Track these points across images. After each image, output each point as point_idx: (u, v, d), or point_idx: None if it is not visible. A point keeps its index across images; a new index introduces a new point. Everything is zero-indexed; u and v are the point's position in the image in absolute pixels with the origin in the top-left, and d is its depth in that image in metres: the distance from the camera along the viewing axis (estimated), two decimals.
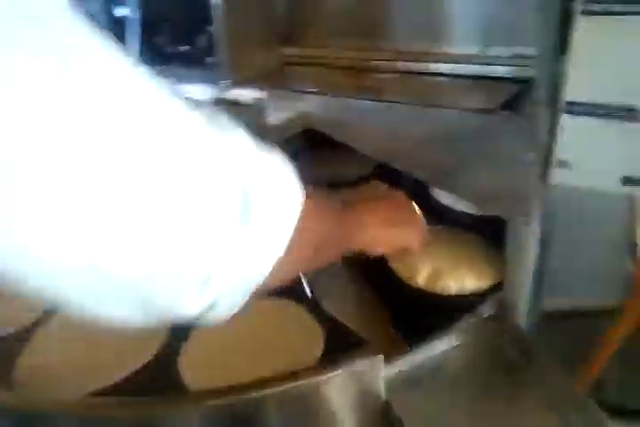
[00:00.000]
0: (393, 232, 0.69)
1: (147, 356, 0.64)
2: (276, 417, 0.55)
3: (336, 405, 0.56)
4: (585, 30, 0.55)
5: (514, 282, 0.67)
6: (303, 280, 0.73)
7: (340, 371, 0.55)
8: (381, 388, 0.58)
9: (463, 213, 0.87)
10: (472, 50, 0.78)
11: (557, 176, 0.61)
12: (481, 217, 0.84)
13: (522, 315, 0.68)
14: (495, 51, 0.75)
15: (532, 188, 0.62)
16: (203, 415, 0.54)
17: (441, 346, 0.64)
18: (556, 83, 0.58)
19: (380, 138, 0.78)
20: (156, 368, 0.64)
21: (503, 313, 0.68)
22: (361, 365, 0.56)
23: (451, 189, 0.74)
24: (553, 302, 0.70)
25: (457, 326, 0.66)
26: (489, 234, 0.79)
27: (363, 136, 0.80)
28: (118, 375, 0.62)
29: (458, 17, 0.79)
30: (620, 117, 0.56)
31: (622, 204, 0.68)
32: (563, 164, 0.60)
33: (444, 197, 0.91)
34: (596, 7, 0.54)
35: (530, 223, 0.64)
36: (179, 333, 0.68)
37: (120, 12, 0.95)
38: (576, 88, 0.58)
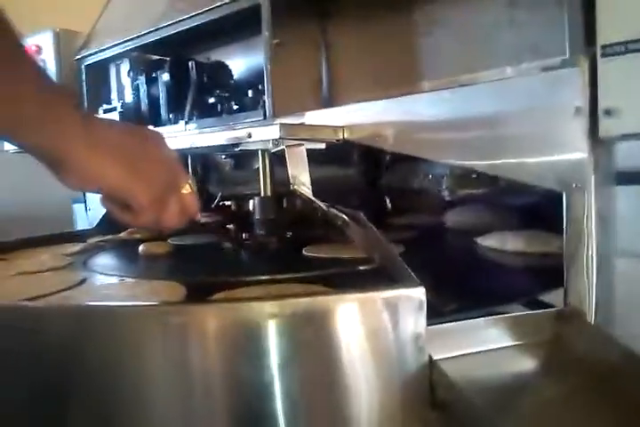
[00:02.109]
0: (130, 162, 0.50)
1: None
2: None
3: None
4: None
5: (576, 269, 0.58)
6: None
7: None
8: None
9: (511, 252, 0.81)
10: None
11: (606, 127, 0.54)
12: (532, 253, 0.78)
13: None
14: None
15: (582, 144, 0.56)
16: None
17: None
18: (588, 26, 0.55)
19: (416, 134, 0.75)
20: None
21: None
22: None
23: (502, 171, 0.68)
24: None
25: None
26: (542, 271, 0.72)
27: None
28: None
29: None
30: None
31: None
32: (609, 112, 0.54)
33: (488, 241, 0.86)
34: None
35: (585, 191, 0.57)
36: None
37: None
38: (607, 30, 0.54)
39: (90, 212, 1.30)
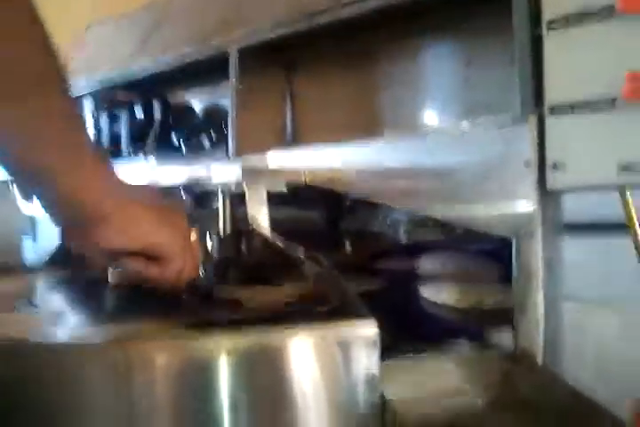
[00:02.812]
0: (153, 226, 0.52)
1: None
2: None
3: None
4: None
5: (525, 313, 0.61)
6: None
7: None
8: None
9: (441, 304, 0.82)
10: None
11: (553, 180, 0.58)
12: (463, 309, 0.79)
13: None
14: None
15: (531, 195, 0.60)
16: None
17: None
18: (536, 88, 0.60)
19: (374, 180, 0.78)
20: None
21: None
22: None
23: (455, 218, 0.70)
24: None
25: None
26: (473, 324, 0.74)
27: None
28: None
29: None
30: (603, 109, 0.55)
31: None
32: (556, 166, 0.58)
33: (427, 291, 0.86)
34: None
35: (533, 239, 0.60)
36: None
37: None
38: (554, 92, 0.59)
39: (38, 245, 1.27)
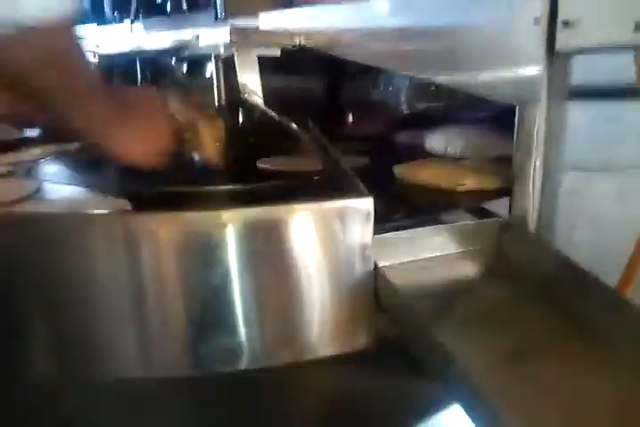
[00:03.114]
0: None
1: None
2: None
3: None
4: None
5: (523, 182, 0.60)
6: None
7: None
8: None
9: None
10: None
11: (563, 39, 0.54)
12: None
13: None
14: None
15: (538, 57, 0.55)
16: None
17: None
18: None
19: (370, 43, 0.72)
20: None
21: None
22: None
23: (458, 83, 0.67)
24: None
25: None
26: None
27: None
28: None
29: None
30: None
31: None
32: (567, 24, 0.53)
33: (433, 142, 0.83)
34: None
35: (538, 104, 0.57)
36: None
37: None
38: None
39: None
